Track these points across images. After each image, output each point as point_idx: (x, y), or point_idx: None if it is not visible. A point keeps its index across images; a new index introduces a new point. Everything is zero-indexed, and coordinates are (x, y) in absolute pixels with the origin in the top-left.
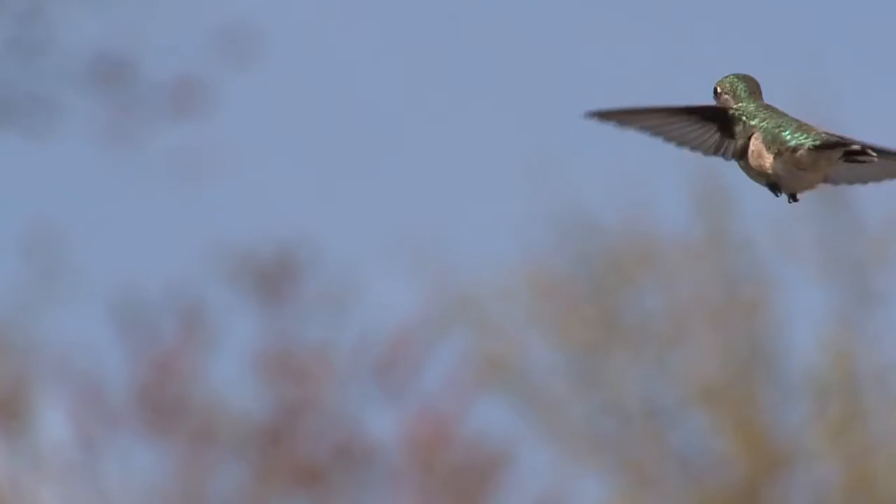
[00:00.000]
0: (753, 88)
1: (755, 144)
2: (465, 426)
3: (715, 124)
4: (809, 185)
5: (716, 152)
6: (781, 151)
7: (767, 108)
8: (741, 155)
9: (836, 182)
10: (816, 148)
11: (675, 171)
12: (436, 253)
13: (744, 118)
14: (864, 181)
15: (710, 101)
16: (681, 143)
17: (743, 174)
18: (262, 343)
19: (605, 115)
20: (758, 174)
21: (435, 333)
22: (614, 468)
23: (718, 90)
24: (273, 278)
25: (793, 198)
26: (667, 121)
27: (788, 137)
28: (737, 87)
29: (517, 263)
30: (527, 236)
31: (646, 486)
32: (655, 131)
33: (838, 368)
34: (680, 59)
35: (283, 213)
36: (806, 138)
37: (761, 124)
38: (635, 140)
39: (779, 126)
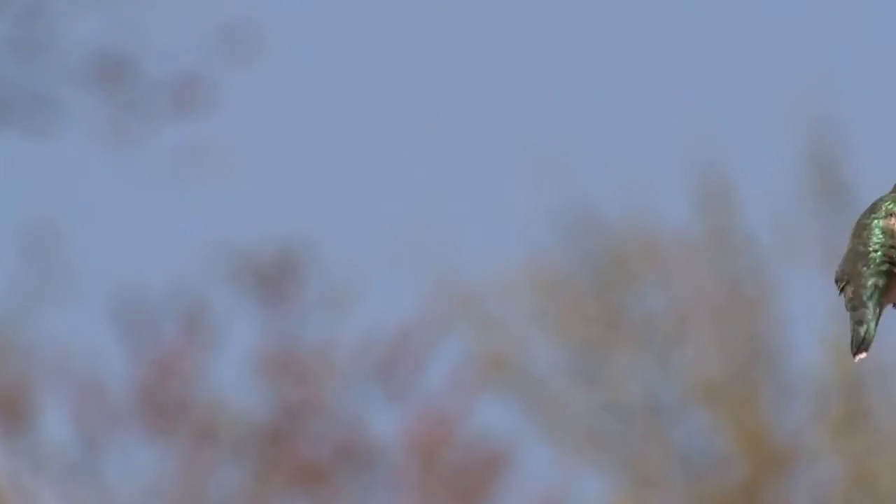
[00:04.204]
0: None
1: None
2: (467, 425)
3: None
4: None
5: None
6: None
7: None
8: None
9: None
10: None
11: (678, 170)
12: (437, 251)
13: None
14: None
15: None
16: None
17: None
18: (263, 343)
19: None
20: None
21: (437, 332)
22: (616, 466)
23: None
24: (274, 278)
25: None
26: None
27: None
28: None
29: (520, 261)
30: (529, 234)
31: (647, 483)
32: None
33: (839, 367)
34: (682, 59)
35: (284, 212)
36: None
37: None
38: (638, 138)
39: None
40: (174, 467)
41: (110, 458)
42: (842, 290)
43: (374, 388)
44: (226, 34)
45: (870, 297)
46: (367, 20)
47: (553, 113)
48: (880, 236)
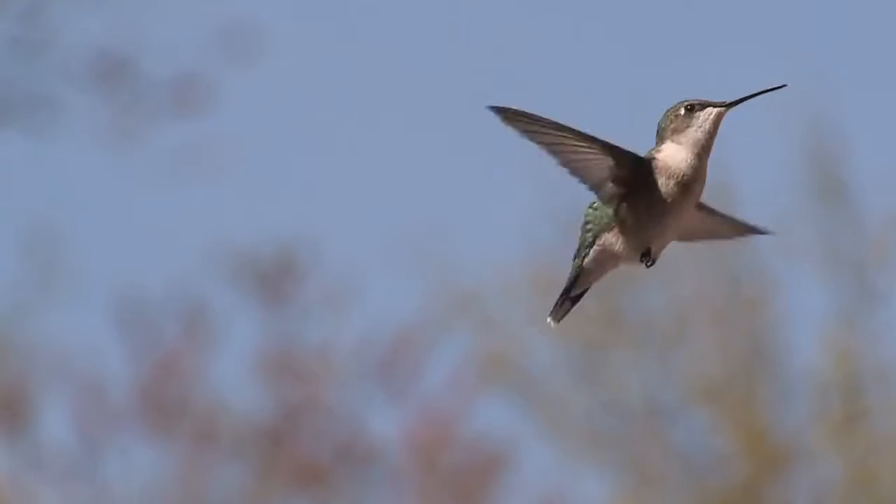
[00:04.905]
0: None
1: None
2: (467, 425)
3: (617, 162)
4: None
5: (598, 189)
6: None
7: None
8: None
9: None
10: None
11: None
12: (437, 251)
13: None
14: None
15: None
16: (573, 171)
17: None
18: (263, 343)
19: (508, 115)
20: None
21: (436, 332)
22: (616, 466)
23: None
24: (274, 279)
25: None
26: (570, 145)
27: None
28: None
29: (519, 261)
30: (529, 234)
31: (647, 483)
32: (552, 150)
33: (839, 367)
34: (679, 59)
35: (284, 213)
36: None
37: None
38: (637, 138)
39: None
40: (174, 467)
41: (110, 459)
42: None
43: (374, 388)
44: (225, 34)
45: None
46: (367, 20)
47: (552, 114)
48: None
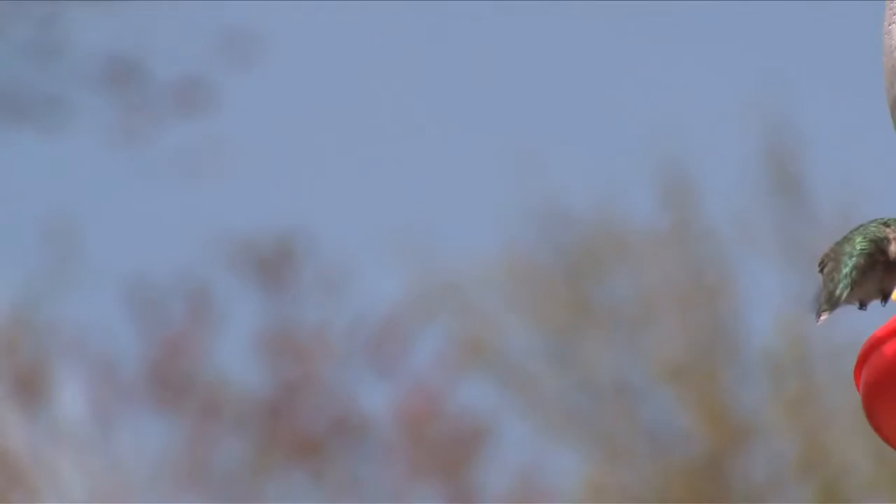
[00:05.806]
0: None
1: None
2: (451, 402)
3: None
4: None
5: None
6: None
7: None
8: None
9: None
10: None
11: (644, 166)
12: (423, 242)
13: None
14: None
15: None
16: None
17: None
18: (263, 324)
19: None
20: None
21: (422, 316)
22: (587, 441)
23: None
24: (273, 264)
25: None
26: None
27: None
28: None
29: (497, 252)
30: (506, 227)
31: (616, 457)
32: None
33: (794, 349)
34: (644, 57)
35: (282, 205)
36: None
37: None
38: (605, 136)
39: None
40: (181, 439)
41: (122, 431)
42: (822, 269)
43: (365, 366)
44: (229, 38)
45: (847, 274)
46: (362, 23)
47: (527, 115)
48: (863, 241)
